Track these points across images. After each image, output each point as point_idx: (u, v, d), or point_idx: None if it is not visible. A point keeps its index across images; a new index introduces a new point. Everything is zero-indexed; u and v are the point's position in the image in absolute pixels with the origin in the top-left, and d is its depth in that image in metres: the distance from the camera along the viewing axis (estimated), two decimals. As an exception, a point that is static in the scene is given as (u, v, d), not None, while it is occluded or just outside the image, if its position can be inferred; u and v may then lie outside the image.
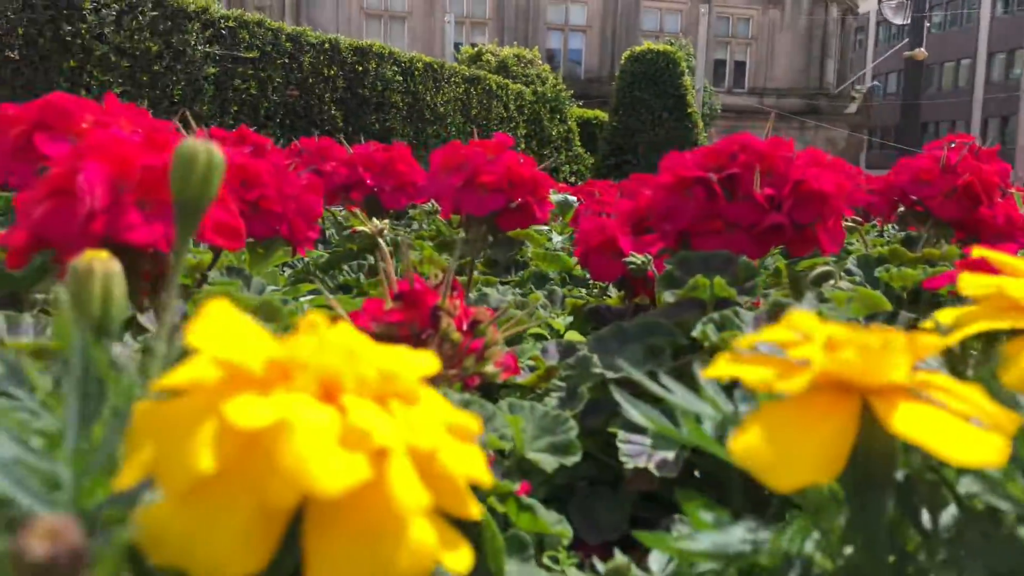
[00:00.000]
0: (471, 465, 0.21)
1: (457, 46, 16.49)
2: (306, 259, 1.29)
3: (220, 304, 0.21)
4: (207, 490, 0.18)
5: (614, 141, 9.51)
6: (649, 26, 21.01)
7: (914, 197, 1.30)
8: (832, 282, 0.87)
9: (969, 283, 0.33)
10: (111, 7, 4.20)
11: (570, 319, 1.01)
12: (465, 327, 0.58)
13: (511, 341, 0.69)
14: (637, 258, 0.97)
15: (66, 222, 0.41)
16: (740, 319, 0.65)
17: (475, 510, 0.21)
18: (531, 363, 0.74)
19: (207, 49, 4.78)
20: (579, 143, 10.09)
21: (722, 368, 0.25)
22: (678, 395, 0.28)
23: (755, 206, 0.74)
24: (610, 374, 0.67)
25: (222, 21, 4.99)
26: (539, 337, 1.01)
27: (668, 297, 0.71)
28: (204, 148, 0.27)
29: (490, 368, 0.61)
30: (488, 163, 0.97)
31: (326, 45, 5.86)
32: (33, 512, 0.18)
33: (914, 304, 1.13)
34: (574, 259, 1.64)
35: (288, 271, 1.29)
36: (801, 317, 0.25)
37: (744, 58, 21.40)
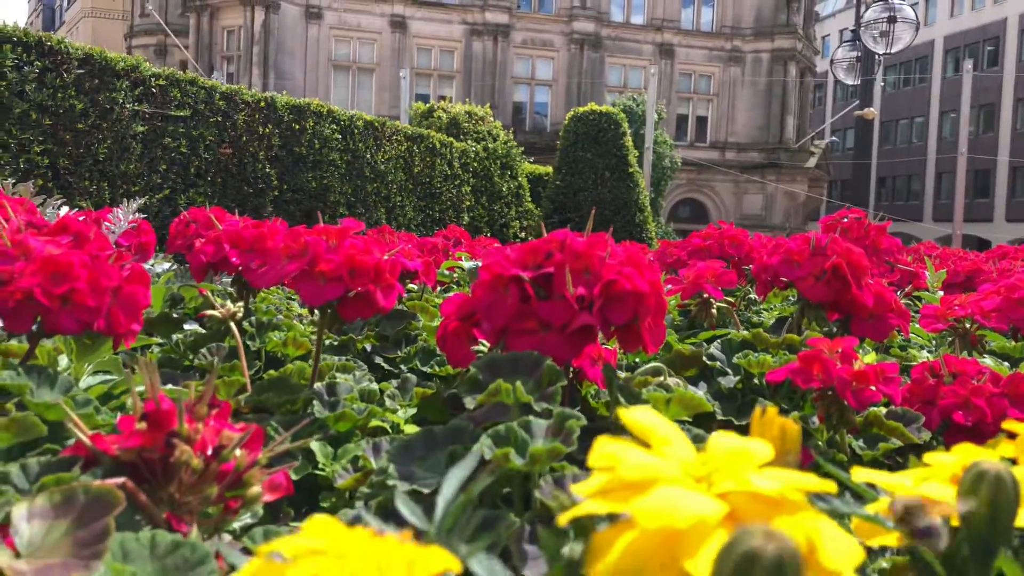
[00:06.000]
0: None
1: (426, 98, 16.57)
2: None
3: None
4: None
5: (557, 199, 9.62)
6: (614, 81, 21.33)
7: (785, 279, 1.31)
8: (661, 379, 0.86)
9: (597, 456, 0.30)
10: (34, 64, 4.12)
11: (412, 411, 0.98)
12: (210, 451, 0.54)
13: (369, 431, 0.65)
14: (485, 345, 0.95)
15: None
16: (529, 431, 0.62)
17: None
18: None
19: (136, 107, 4.71)
20: (530, 199, 10.17)
21: None
22: None
23: (566, 306, 0.72)
24: (404, 486, 0.65)
25: (153, 80, 4.94)
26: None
27: (469, 403, 0.68)
28: None
29: (253, 490, 0.58)
30: (328, 250, 0.94)
31: (262, 103, 5.82)
32: None
33: (776, 391, 1.13)
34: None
35: (157, 349, 1.25)
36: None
37: (706, 113, 21.78)
